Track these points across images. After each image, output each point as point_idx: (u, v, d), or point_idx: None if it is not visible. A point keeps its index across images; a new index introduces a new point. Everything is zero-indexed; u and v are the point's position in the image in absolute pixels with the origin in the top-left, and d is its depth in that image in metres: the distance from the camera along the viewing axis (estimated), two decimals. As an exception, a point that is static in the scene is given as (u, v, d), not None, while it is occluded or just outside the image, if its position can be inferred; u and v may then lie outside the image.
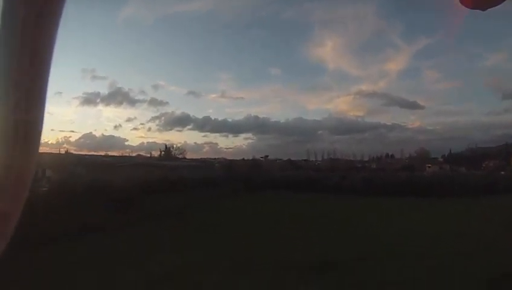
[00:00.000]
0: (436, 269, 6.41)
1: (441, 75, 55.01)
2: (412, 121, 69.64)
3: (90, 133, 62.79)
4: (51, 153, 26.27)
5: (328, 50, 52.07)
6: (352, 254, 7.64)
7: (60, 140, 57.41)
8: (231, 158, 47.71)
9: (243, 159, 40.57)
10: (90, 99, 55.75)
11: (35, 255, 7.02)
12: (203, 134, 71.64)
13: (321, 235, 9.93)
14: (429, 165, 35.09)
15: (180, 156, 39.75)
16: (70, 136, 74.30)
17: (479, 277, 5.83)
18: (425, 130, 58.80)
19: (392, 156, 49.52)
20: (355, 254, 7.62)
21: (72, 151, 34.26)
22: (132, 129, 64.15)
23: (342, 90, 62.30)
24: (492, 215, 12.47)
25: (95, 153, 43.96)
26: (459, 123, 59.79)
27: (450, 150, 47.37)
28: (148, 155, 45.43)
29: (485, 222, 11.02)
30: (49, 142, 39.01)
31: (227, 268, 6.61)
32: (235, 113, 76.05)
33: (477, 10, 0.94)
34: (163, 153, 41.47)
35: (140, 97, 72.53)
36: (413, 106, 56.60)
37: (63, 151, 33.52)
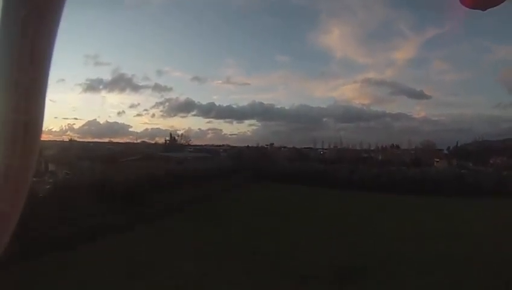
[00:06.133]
0: None
1: (449, 66, 54.10)
2: (417, 111, 68.91)
3: (94, 120, 62.38)
4: (55, 140, 26.01)
5: (335, 38, 51.01)
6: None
7: (64, 127, 57.28)
8: (235, 144, 47.56)
9: (248, 146, 40.31)
10: (93, 86, 54.87)
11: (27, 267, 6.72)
12: (207, 120, 70.78)
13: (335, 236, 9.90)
14: (437, 159, 34.87)
15: (184, 143, 39.77)
16: (74, 124, 73.80)
17: None
18: (431, 120, 58.29)
19: (398, 146, 49.10)
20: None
21: (76, 139, 34.04)
22: (136, 115, 64.30)
23: (348, 78, 61.67)
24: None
25: (99, 140, 43.87)
26: (465, 115, 59.12)
27: (457, 143, 46.79)
28: (152, 142, 45.42)
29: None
30: (53, 130, 38.88)
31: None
32: (240, 99, 75.34)
33: (477, 10, 0.97)
34: (167, 141, 41.40)
35: (144, 83, 71.89)
36: (419, 95, 55.64)
37: (66, 138, 33.34)
